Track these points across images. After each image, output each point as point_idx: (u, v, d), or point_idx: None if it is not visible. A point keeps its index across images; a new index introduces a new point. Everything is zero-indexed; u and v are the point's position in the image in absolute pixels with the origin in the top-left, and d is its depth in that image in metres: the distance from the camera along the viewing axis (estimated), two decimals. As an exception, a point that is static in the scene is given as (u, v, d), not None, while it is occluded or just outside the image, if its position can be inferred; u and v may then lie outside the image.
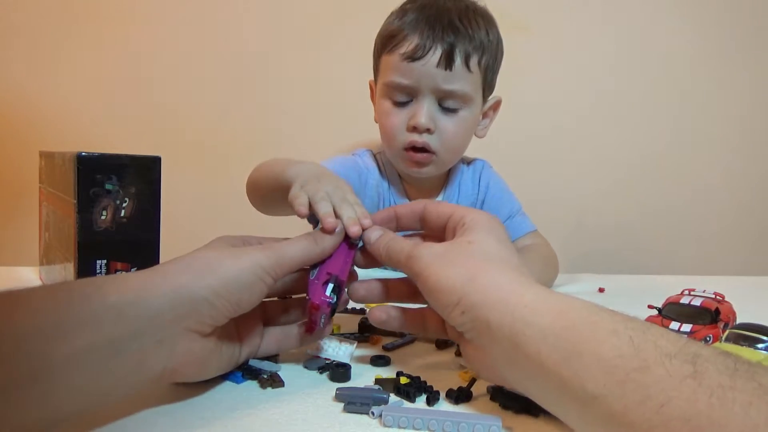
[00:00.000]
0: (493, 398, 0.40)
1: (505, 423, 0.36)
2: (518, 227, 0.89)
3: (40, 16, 1.19)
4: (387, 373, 0.45)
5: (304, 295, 0.45)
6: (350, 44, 1.18)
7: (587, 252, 1.40)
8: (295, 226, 0.71)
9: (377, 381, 0.42)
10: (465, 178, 0.92)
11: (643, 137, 1.40)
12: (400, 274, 0.46)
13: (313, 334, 0.45)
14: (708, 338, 0.53)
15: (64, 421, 0.31)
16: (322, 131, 1.29)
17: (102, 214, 0.57)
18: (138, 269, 0.58)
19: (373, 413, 0.37)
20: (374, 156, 0.92)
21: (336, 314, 0.45)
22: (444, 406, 0.40)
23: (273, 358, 0.46)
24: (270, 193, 0.66)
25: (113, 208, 0.58)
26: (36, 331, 0.30)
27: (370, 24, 0.87)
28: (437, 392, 0.40)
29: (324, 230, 0.45)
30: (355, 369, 0.45)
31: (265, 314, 0.47)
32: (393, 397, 0.40)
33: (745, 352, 0.45)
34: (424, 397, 0.40)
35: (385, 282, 0.48)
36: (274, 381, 0.42)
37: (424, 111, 0.79)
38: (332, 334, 0.50)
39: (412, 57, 0.77)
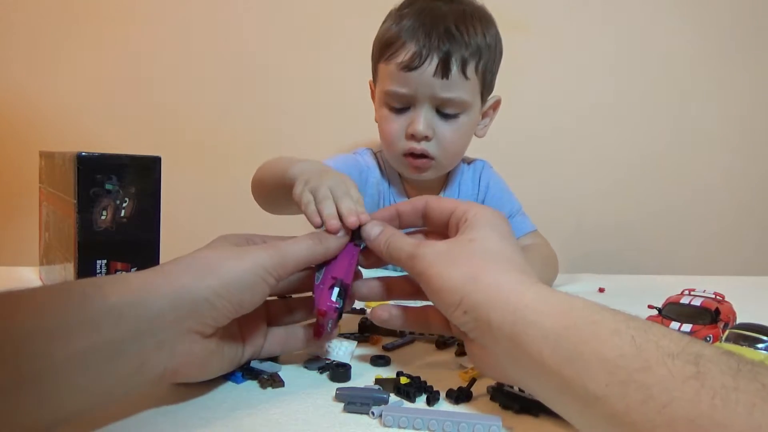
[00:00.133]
0: (493, 398, 0.40)
1: (505, 423, 0.36)
2: (518, 227, 0.89)
3: (40, 16, 1.19)
4: (387, 373, 0.45)
5: (309, 294, 0.45)
6: (350, 44, 1.18)
7: (587, 252, 1.40)
8: (296, 225, 0.71)
9: (377, 381, 0.42)
10: (465, 177, 0.93)
11: (643, 137, 1.40)
12: (403, 273, 0.46)
13: (321, 338, 0.45)
14: (708, 338, 0.53)
15: (65, 422, 0.31)
16: (322, 131, 1.29)
17: (102, 214, 0.57)
18: (138, 269, 0.58)
19: (373, 413, 0.37)
20: (375, 155, 0.92)
21: (337, 315, 0.45)
22: (444, 406, 0.40)
23: (274, 358, 0.46)
24: (274, 192, 0.66)
25: (113, 208, 0.58)
26: (38, 331, 0.30)
27: (370, 24, 0.87)
28: (437, 392, 0.40)
29: (327, 231, 0.45)
30: (355, 369, 0.45)
31: (268, 314, 0.46)
32: (393, 397, 0.40)
33: (745, 352, 0.45)
34: (424, 397, 0.40)
35: (386, 280, 0.48)
36: (274, 381, 0.42)
37: (422, 119, 0.79)
38: (332, 334, 0.50)
39: (409, 67, 0.77)
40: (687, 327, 0.54)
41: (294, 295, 0.50)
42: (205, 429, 0.35)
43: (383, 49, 0.81)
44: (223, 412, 0.38)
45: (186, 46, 1.24)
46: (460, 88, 0.79)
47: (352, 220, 0.45)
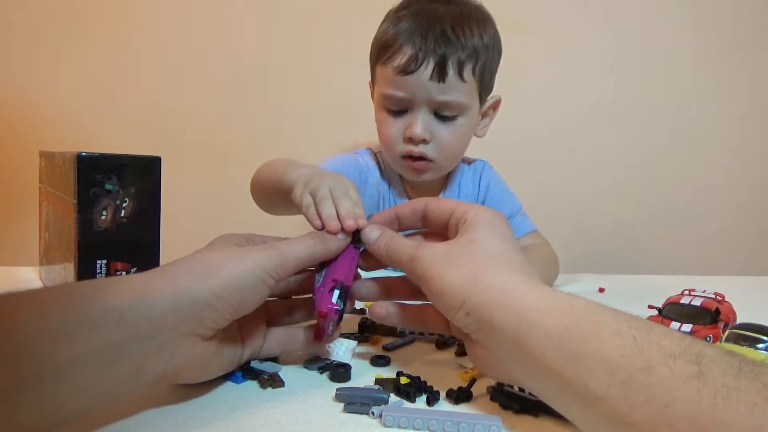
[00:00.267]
0: (493, 398, 0.40)
1: (505, 423, 0.36)
2: (518, 227, 0.89)
3: (40, 16, 1.19)
4: (387, 373, 0.45)
5: (310, 295, 0.45)
6: (350, 44, 1.18)
7: (587, 252, 1.40)
8: (296, 225, 0.71)
9: (377, 381, 0.42)
10: (465, 178, 0.93)
11: (643, 137, 1.40)
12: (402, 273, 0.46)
13: (321, 341, 0.45)
14: (708, 338, 0.53)
15: (65, 422, 0.31)
16: (322, 131, 1.29)
17: (102, 214, 0.57)
18: (138, 269, 0.59)
19: (373, 413, 0.37)
20: (375, 155, 0.92)
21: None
22: (444, 406, 0.40)
23: (274, 358, 0.46)
24: (272, 196, 0.66)
25: (113, 208, 0.58)
26: (39, 333, 0.30)
27: (370, 24, 0.87)
28: (437, 392, 0.40)
29: (327, 232, 0.45)
30: (355, 369, 0.45)
31: (268, 314, 0.46)
32: (393, 397, 0.40)
33: (745, 352, 0.45)
34: (424, 397, 0.40)
35: (386, 281, 0.48)
36: (274, 381, 0.42)
37: (420, 122, 0.79)
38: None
39: (405, 71, 0.77)
40: (687, 327, 0.54)
41: (294, 297, 0.50)
42: (205, 429, 0.35)
43: (380, 52, 0.81)
44: (223, 412, 0.38)
45: (186, 46, 1.24)
46: (457, 90, 0.79)
47: (349, 224, 0.45)
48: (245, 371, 0.43)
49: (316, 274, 0.45)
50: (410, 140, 0.80)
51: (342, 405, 0.39)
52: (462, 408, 0.40)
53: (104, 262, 0.58)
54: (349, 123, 1.21)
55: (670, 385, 0.27)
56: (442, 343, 0.53)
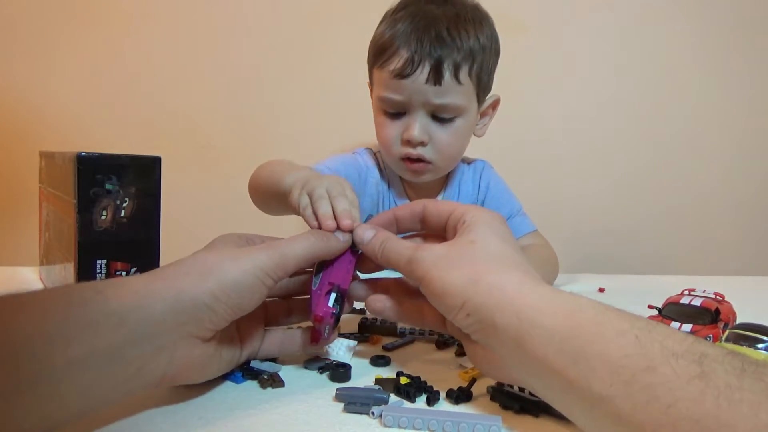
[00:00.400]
0: (493, 398, 0.40)
1: (505, 423, 0.36)
2: (518, 227, 0.89)
3: (40, 16, 1.19)
4: (387, 373, 0.45)
5: (308, 296, 0.46)
6: (350, 44, 1.18)
7: (587, 252, 1.40)
8: (296, 225, 0.71)
9: (377, 381, 0.42)
10: (465, 178, 0.93)
11: (643, 137, 1.40)
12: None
13: (318, 344, 0.45)
14: (708, 338, 0.53)
15: (64, 424, 0.31)
16: (322, 131, 1.29)
17: (102, 214, 0.57)
18: (138, 269, 0.59)
19: (373, 413, 0.37)
20: (374, 155, 0.92)
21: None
22: (444, 406, 0.40)
23: (273, 358, 0.46)
24: (270, 197, 0.66)
25: (113, 208, 0.58)
26: (38, 334, 0.29)
27: (370, 23, 0.87)
28: (437, 392, 0.40)
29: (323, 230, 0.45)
30: (355, 369, 0.45)
31: (266, 314, 0.46)
32: (393, 397, 0.40)
33: (745, 352, 0.45)
34: (424, 397, 0.40)
35: (383, 282, 0.48)
36: (274, 381, 0.42)
37: (417, 125, 0.79)
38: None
39: (401, 74, 0.77)
40: (687, 327, 0.54)
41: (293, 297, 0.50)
42: (205, 429, 0.35)
43: (377, 55, 0.81)
44: (223, 412, 0.38)
45: (186, 46, 1.24)
46: (454, 93, 0.78)
47: (346, 223, 0.45)
48: (245, 371, 0.43)
49: (313, 277, 0.45)
50: (408, 143, 0.80)
51: (342, 405, 0.39)
52: (462, 408, 0.40)
53: (104, 262, 0.58)
54: (349, 123, 1.21)
55: (673, 385, 0.27)
56: (442, 343, 0.53)
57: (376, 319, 0.57)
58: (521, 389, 0.38)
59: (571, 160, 1.39)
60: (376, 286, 0.47)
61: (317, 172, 0.60)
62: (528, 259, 0.41)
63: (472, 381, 0.42)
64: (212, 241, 0.44)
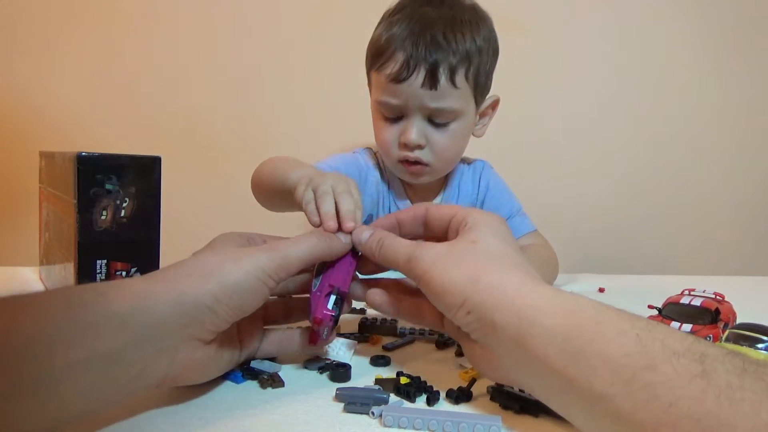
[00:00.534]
0: (493, 398, 0.40)
1: (505, 423, 0.36)
2: (518, 227, 0.89)
3: (40, 16, 1.19)
4: (387, 373, 0.45)
5: (307, 295, 0.46)
6: (350, 44, 1.18)
7: (587, 252, 1.40)
8: (296, 225, 0.71)
9: (377, 381, 0.42)
10: (465, 178, 0.93)
11: (642, 137, 1.40)
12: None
13: (317, 345, 0.45)
14: (708, 338, 0.53)
15: (64, 425, 0.31)
16: (322, 131, 1.29)
17: (102, 214, 0.57)
18: (138, 269, 0.59)
19: (373, 413, 0.37)
20: (374, 154, 0.92)
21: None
22: (444, 406, 0.40)
23: (273, 358, 0.46)
24: (274, 193, 0.66)
25: (113, 208, 0.58)
26: (39, 337, 0.29)
27: (369, 24, 0.87)
28: (437, 392, 0.40)
29: (324, 230, 0.45)
30: (355, 369, 0.45)
31: (266, 313, 0.46)
32: (393, 397, 0.40)
33: (745, 352, 0.45)
34: (424, 397, 0.40)
35: (382, 282, 0.48)
36: (274, 381, 0.42)
37: (414, 129, 0.79)
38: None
39: (397, 79, 0.77)
40: (687, 327, 0.54)
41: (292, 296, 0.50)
42: (205, 429, 0.35)
43: (374, 58, 0.81)
44: (223, 412, 0.38)
45: (186, 46, 1.24)
46: (450, 97, 0.78)
47: (349, 225, 0.45)
48: (245, 371, 0.43)
49: (313, 278, 0.45)
50: (405, 146, 0.80)
51: (342, 405, 0.39)
52: (462, 408, 0.40)
53: (104, 262, 0.58)
54: (349, 123, 1.21)
55: (674, 384, 0.27)
56: (442, 343, 0.53)
57: (376, 319, 0.57)
58: (521, 389, 0.38)
59: (570, 160, 1.39)
60: (375, 285, 0.47)
61: (322, 170, 0.60)
62: (528, 260, 0.41)
63: (472, 381, 0.42)
64: (213, 241, 0.44)
